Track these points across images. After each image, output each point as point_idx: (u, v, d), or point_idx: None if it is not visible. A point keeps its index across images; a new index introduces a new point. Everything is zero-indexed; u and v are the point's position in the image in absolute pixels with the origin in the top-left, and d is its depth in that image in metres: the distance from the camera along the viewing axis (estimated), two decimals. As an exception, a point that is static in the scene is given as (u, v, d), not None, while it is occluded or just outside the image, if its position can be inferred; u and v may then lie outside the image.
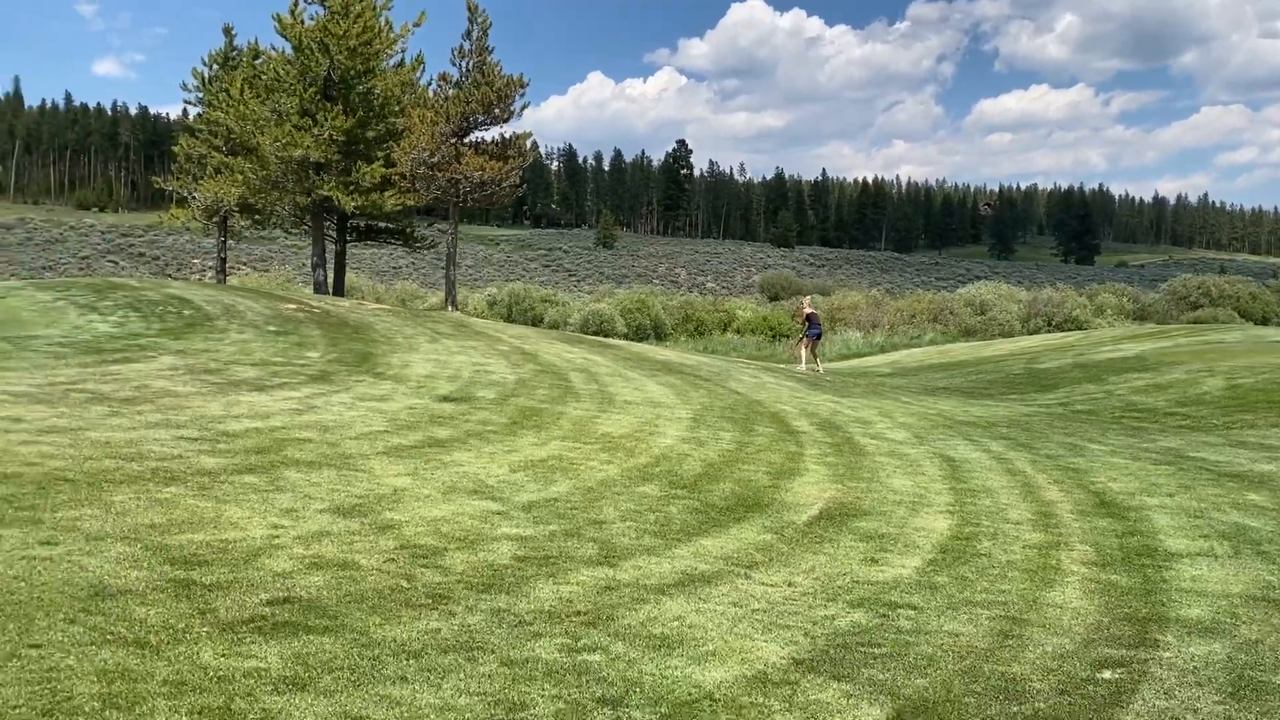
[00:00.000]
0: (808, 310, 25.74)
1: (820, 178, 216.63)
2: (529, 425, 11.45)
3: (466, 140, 30.29)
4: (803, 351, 25.49)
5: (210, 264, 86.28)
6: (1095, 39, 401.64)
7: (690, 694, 4.39)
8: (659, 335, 50.35)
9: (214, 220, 34.54)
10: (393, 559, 6.04)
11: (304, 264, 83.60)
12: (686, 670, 4.67)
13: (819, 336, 25.76)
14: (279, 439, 9.15)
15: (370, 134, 29.82)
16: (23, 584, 4.88)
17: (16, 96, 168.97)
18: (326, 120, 27.88)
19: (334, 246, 32.89)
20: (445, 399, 12.68)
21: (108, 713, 3.70)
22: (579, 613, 5.41)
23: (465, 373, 15.06)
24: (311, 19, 29.20)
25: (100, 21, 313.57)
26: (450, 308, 32.05)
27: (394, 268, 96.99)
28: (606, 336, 37.51)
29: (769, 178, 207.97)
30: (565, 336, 25.70)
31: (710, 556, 6.88)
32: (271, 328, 17.80)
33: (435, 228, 38.61)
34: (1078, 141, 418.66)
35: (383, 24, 29.65)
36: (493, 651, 4.72)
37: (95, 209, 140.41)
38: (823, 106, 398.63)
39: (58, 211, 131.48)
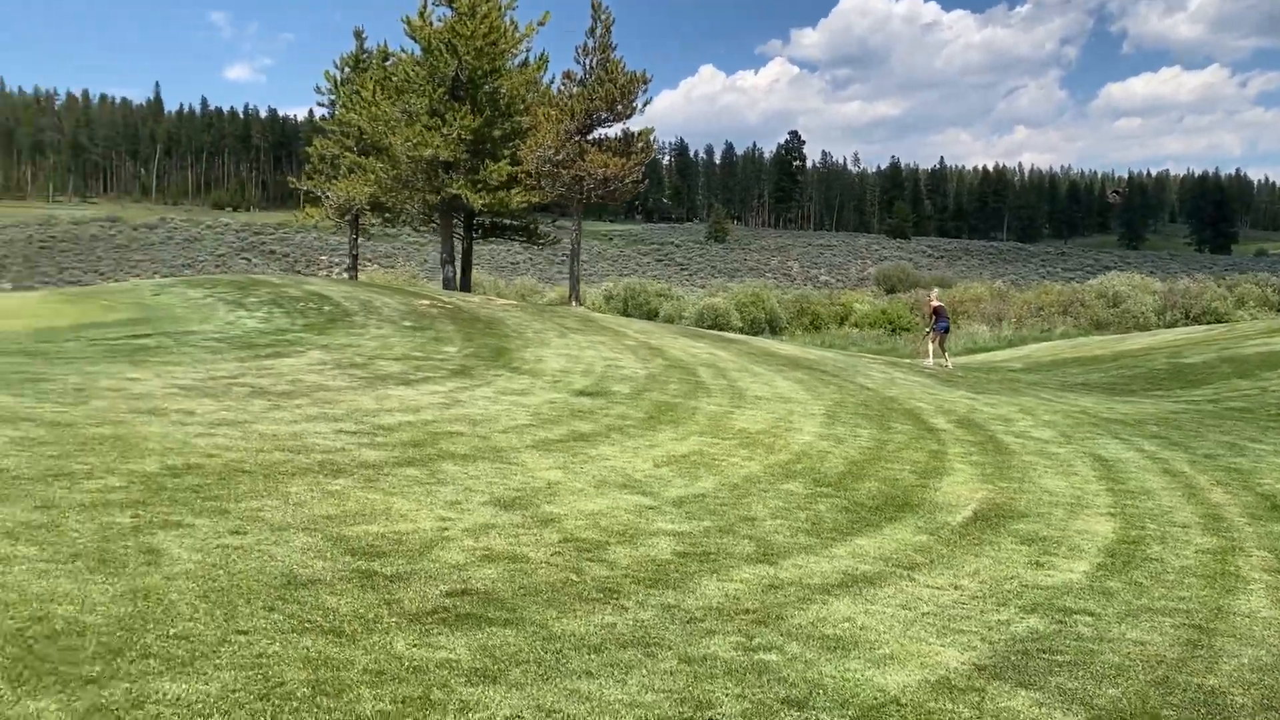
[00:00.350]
0: (935, 303, 25.15)
1: (938, 166, 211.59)
2: (666, 420, 11.50)
3: (590, 137, 30.61)
4: (930, 346, 24.92)
5: (337, 261, 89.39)
6: (1232, 17, 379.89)
7: (876, 698, 4.33)
8: (774, 329, 49.95)
9: (346, 219, 35.74)
10: (559, 552, 6.13)
11: (426, 260, 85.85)
12: (867, 673, 4.61)
13: (947, 330, 25.15)
14: (432, 432, 9.40)
15: (497, 133, 30.35)
16: (221, 572, 5.13)
17: (156, 102, 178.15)
18: (455, 120, 28.51)
19: (459, 243, 33.64)
20: (581, 393, 12.83)
21: (318, 699, 3.85)
22: (748, 611, 5.40)
23: (597, 367, 15.21)
24: (439, 20, 29.91)
25: (231, 29, 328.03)
26: (574, 303, 32.44)
27: (512, 263, 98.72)
28: (722, 330, 37.42)
29: (884, 167, 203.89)
30: (687, 331, 25.75)
31: (869, 557, 6.78)
32: (408, 323, 18.31)
33: (556, 224, 39.15)
34: (1212, 125, 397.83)
35: (508, 24, 30.14)
36: (670, 648, 4.74)
37: (229, 208, 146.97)
38: (940, 93, 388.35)
39: (195, 211, 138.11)
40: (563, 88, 30.91)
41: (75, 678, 3.78)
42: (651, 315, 50.33)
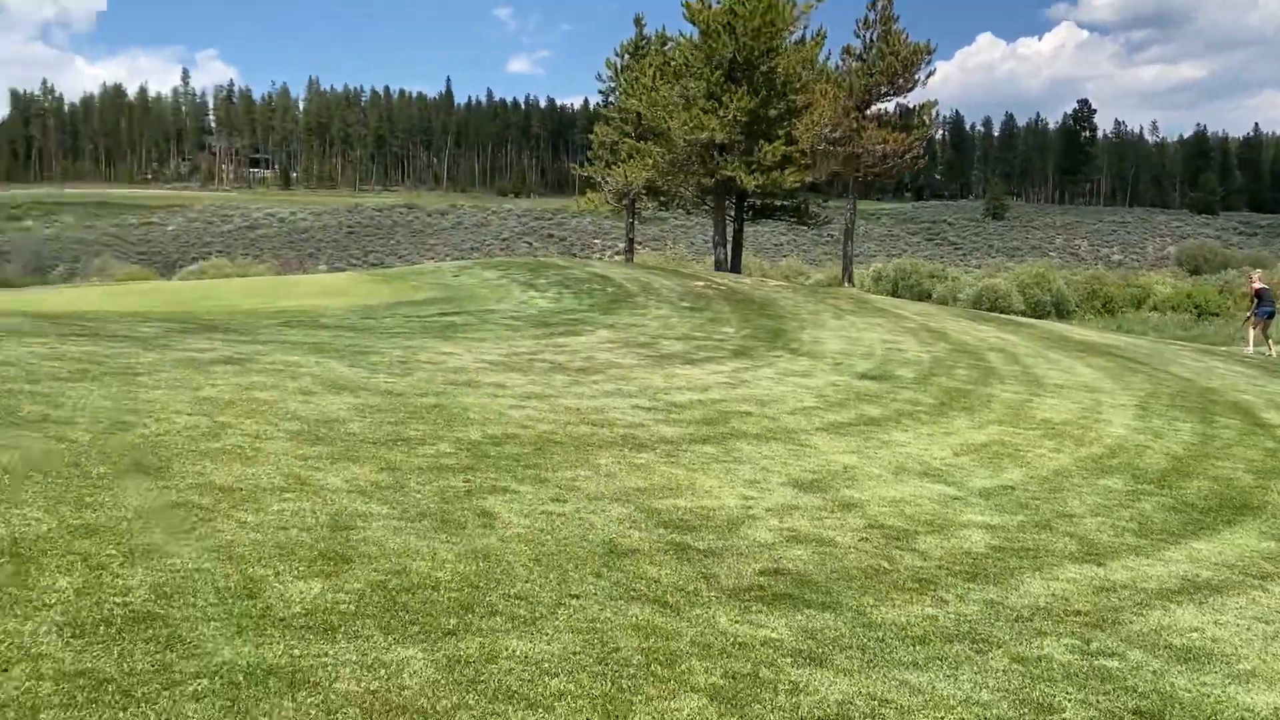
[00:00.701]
0: (1256, 285, 22.61)
1: (1251, 134, 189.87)
2: (958, 407, 11.05)
3: (868, 113, 29.90)
4: (1250, 332, 22.45)
5: (609, 244, 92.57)
6: None
7: (1243, 718, 3.92)
8: (1060, 313, 46.76)
9: (623, 203, 36.92)
10: (866, 538, 6.01)
11: (693, 242, 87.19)
12: (1227, 689, 4.20)
13: (1272, 315, 22.52)
14: (722, 411, 9.50)
15: (772, 113, 30.32)
16: (548, 537, 5.40)
17: (447, 96, 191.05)
18: (731, 102, 28.74)
19: (730, 225, 33.92)
20: (864, 376, 12.57)
21: (652, 668, 3.95)
22: (1079, 613, 5.07)
23: (878, 350, 14.86)
24: (718, 2, 30.18)
25: (514, 23, 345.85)
26: (847, 283, 31.92)
27: (775, 244, 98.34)
28: (1002, 313, 35.50)
29: (1187, 136, 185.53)
30: (969, 314, 24.64)
31: (1208, 563, 6.18)
32: (685, 304, 18.66)
33: (825, 205, 38.60)
34: None
35: (784, 2, 29.96)
36: (999, 646, 4.53)
37: (512, 195, 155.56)
38: (1253, 52, 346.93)
39: (482, 198, 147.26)
40: (842, 63, 30.38)
41: (435, 629, 4.09)
42: (923, 296, 48.50)
